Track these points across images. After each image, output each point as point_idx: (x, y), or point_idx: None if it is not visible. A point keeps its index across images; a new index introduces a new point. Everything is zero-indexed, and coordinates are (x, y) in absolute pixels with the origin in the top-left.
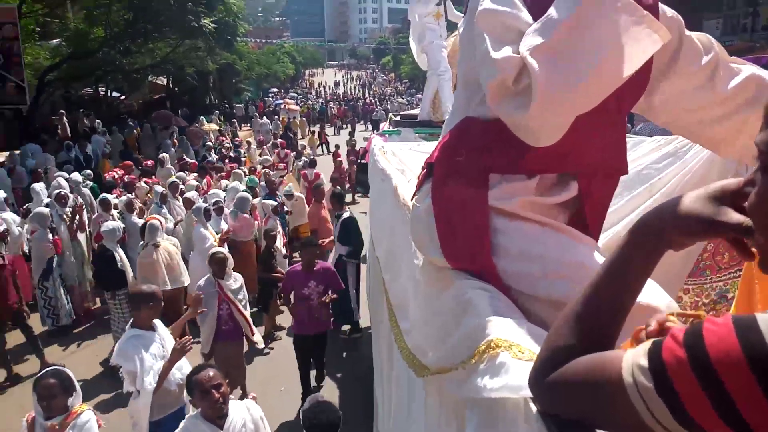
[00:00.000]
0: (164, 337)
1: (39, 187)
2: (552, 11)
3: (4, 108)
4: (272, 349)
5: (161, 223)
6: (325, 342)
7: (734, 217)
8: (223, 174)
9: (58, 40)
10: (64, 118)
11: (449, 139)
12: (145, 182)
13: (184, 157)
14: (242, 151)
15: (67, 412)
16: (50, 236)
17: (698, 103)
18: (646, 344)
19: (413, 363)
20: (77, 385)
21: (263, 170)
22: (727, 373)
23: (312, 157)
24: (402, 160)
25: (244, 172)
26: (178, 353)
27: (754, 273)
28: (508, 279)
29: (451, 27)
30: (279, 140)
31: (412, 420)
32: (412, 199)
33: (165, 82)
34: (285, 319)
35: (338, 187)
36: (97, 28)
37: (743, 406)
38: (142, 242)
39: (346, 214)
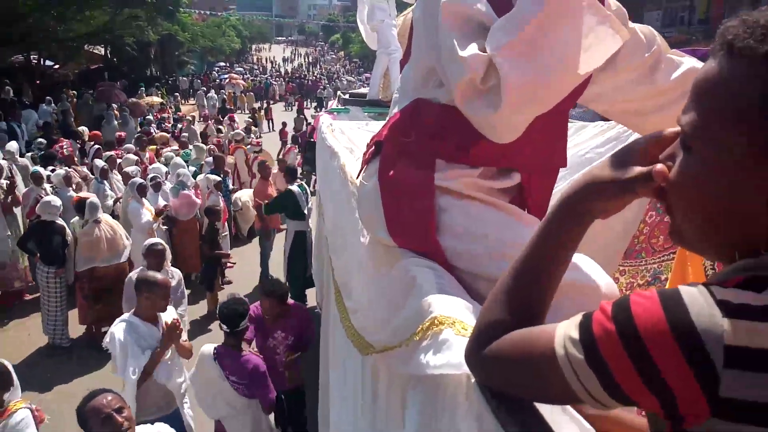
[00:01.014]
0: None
1: None
2: (518, 7)
3: None
4: (215, 326)
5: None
6: (304, 400)
7: (635, 170)
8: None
9: None
10: (7, 87)
11: (399, 119)
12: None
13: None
14: (181, 126)
15: (1, 409)
16: None
17: (638, 94)
18: (578, 317)
19: (358, 342)
20: (15, 378)
21: (209, 146)
22: (653, 344)
23: (259, 134)
24: (350, 139)
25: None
26: (168, 339)
27: (687, 255)
28: (452, 258)
29: (400, 6)
30: (228, 115)
31: (357, 399)
32: (358, 177)
33: (103, 52)
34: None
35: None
36: None
37: (668, 375)
38: (77, 218)
39: (292, 187)
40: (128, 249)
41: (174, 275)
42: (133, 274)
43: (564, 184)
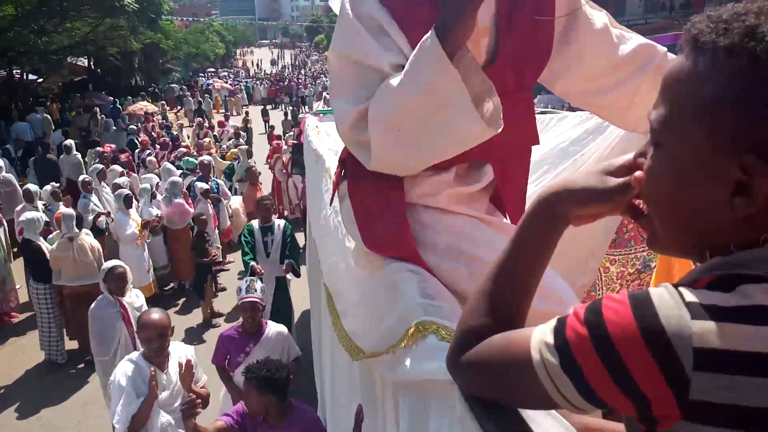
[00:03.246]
0: (173, 381)
1: None
2: (402, 80)
3: None
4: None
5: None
6: None
7: (614, 180)
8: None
9: None
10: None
11: None
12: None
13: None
14: (174, 133)
15: None
16: None
17: (594, 69)
18: (552, 321)
19: (349, 346)
20: None
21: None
22: (624, 347)
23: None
24: (336, 140)
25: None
26: (152, 393)
27: None
28: (436, 274)
29: None
30: (219, 121)
31: (354, 402)
32: (334, 194)
33: (86, 64)
34: (222, 304)
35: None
36: (6, 6)
37: (640, 378)
38: (56, 232)
39: (281, 222)
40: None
41: (139, 295)
42: (96, 304)
43: (548, 177)
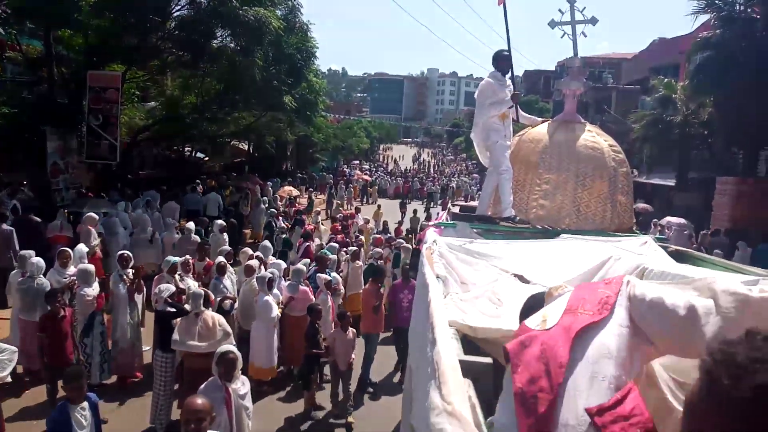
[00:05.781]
0: None
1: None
2: None
3: (96, 162)
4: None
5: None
6: None
7: None
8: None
9: (153, 103)
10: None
11: None
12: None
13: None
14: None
15: None
16: (94, 291)
17: None
18: None
19: None
20: None
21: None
22: None
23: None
24: (448, 264)
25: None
26: None
27: None
28: None
29: (516, 127)
30: (350, 213)
31: None
32: None
33: (246, 147)
34: (325, 397)
35: None
36: (190, 96)
37: None
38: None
39: None
40: (224, 341)
41: (245, 382)
42: (204, 386)
43: None
